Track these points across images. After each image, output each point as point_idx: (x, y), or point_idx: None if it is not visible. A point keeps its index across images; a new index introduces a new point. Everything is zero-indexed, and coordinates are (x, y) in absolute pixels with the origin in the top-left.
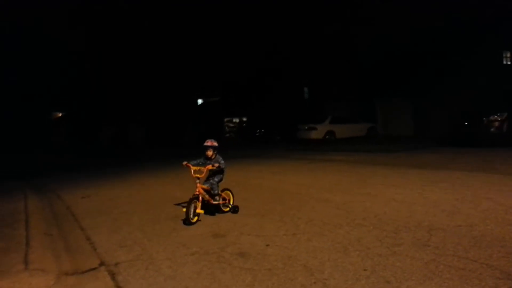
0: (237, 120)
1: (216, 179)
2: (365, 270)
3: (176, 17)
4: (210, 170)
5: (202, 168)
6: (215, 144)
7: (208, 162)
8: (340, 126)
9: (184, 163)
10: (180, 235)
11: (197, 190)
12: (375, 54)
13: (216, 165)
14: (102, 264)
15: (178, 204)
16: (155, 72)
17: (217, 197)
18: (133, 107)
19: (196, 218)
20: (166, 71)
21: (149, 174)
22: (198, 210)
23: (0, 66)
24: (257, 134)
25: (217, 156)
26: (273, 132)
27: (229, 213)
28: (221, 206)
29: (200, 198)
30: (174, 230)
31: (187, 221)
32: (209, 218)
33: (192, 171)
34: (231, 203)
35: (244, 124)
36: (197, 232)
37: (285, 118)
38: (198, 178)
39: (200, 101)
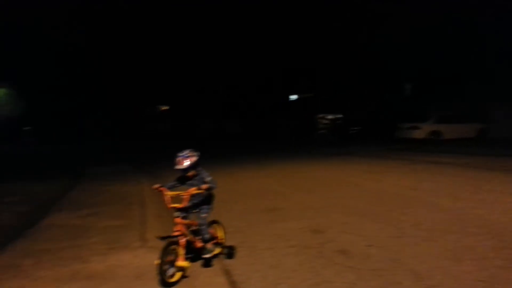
0: (331, 117)
1: (205, 209)
2: (480, 280)
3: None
4: (193, 196)
5: (182, 193)
6: (193, 158)
7: (189, 183)
8: (446, 126)
9: (156, 186)
10: (278, 227)
11: (177, 228)
12: (487, 49)
13: (205, 186)
14: None
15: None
16: (250, 69)
17: (206, 236)
18: (229, 103)
19: (180, 274)
20: (261, 67)
21: (242, 168)
22: (181, 263)
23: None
24: (352, 131)
25: (202, 172)
26: (370, 130)
27: (220, 256)
28: (206, 248)
29: (183, 241)
30: (272, 222)
31: (163, 284)
32: (307, 213)
33: (166, 199)
34: (222, 242)
35: (338, 121)
36: (295, 225)
37: (384, 115)
38: (178, 209)
39: (293, 97)
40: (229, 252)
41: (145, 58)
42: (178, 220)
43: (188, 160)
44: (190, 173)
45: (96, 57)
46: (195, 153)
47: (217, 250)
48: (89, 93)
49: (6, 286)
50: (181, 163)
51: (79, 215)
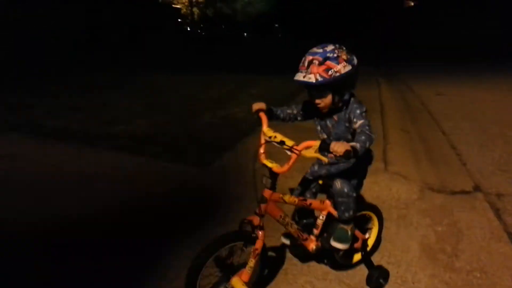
0: None
1: (347, 186)
2: None
3: None
4: (317, 161)
5: (288, 144)
6: (341, 66)
7: (320, 123)
8: None
9: (257, 106)
10: None
11: (260, 209)
12: None
13: (343, 149)
14: (477, 189)
15: None
16: None
17: (347, 213)
18: None
19: None
20: None
21: None
22: (238, 282)
23: None
24: None
25: (353, 106)
26: None
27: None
28: (338, 256)
29: (260, 240)
30: None
31: None
32: None
33: (262, 140)
34: (368, 251)
35: None
36: None
37: None
38: (272, 172)
39: None
40: (376, 278)
41: None
42: (267, 193)
43: (327, 66)
44: (328, 100)
45: None
46: (346, 55)
47: (357, 257)
48: None
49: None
50: (310, 69)
51: None
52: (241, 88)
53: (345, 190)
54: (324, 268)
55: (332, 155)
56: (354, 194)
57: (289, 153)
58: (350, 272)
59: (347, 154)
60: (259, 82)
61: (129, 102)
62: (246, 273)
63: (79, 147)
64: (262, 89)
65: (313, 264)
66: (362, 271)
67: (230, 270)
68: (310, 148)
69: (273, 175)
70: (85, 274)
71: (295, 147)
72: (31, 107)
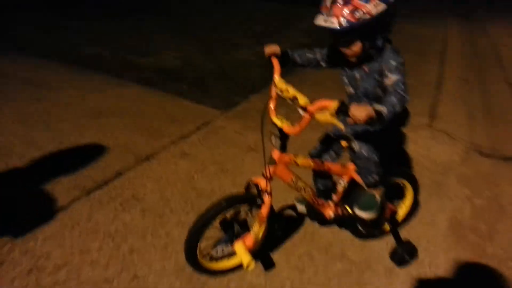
0: None
1: (367, 148)
2: None
3: None
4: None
5: (303, 101)
6: (371, 6)
7: (347, 73)
8: None
9: (271, 49)
10: None
11: (270, 170)
12: None
13: (361, 117)
14: None
15: None
16: None
17: (372, 176)
18: None
19: (233, 263)
20: None
21: None
22: (242, 248)
23: None
24: None
25: (387, 54)
26: None
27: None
28: (361, 225)
29: (266, 208)
30: None
31: (190, 262)
32: None
33: (273, 93)
34: (398, 221)
35: None
36: None
37: None
38: (281, 132)
39: None
40: (400, 253)
41: None
42: (276, 154)
43: (354, 6)
44: (356, 47)
45: None
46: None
47: (383, 228)
48: None
49: None
50: (333, 11)
51: None
52: (289, 22)
53: (364, 152)
54: (329, 239)
55: (351, 119)
56: (376, 158)
57: (301, 112)
58: (358, 245)
59: (369, 121)
60: (311, 16)
61: (162, 31)
62: (250, 238)
63: (103, 78)
64: (311, 24)
65: (317, 234)
66: (371, 247)
67: (233, 233)
68: (325, 110)
69: (284, 135)
70: None
71: (309, 106)
72: (64, 30)
